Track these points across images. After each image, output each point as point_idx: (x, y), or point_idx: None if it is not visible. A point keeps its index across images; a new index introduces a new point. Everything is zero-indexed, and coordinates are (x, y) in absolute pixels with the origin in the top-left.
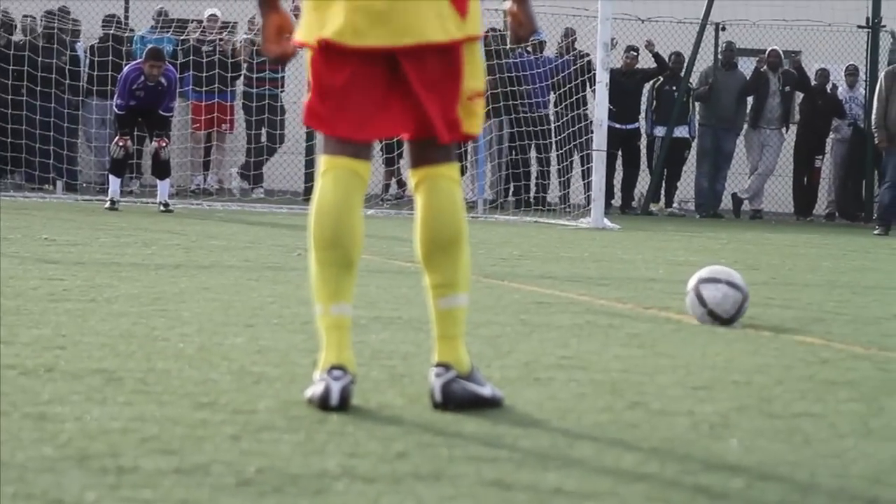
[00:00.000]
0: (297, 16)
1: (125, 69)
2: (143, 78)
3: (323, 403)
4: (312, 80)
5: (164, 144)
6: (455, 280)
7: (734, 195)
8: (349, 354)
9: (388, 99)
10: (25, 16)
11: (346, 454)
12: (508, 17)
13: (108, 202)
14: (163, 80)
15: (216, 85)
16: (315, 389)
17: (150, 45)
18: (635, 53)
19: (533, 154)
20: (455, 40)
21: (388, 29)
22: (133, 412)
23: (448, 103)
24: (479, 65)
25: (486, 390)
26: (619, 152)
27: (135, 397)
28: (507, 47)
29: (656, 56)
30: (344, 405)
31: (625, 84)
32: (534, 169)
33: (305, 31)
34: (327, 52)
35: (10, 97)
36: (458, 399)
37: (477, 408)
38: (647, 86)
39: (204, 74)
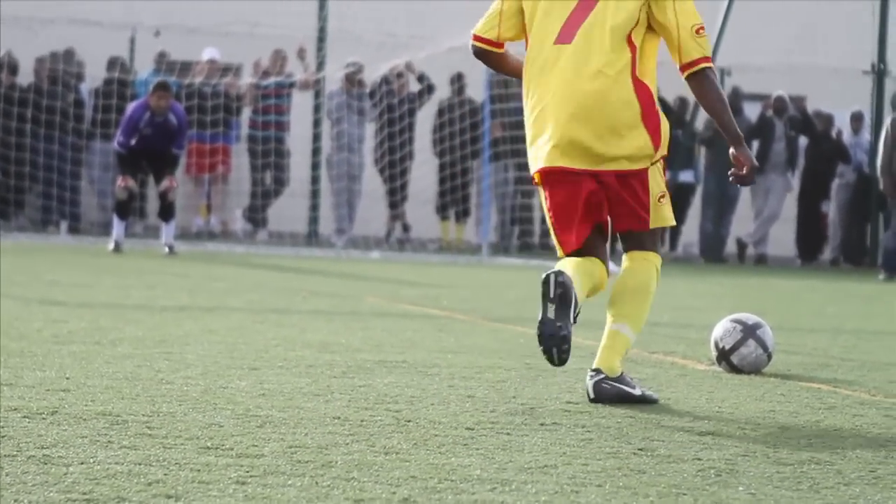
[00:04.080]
0: (301, 57)
1: (130, 107)
2: (149, 114)
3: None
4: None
5: (174, 185)
6: (630, 314)
7: (738, 239)
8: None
9: (596, 205)
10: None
11: (352, 499)
12: (732, 159)
13: (113, 244)
14: (172, 117)
15: (220, 128)
16: None
17: (156, 79)
18: None
19: (538, 197)
20: (646, 168)
21: (595, 158)
22: (138, 455)
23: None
24: (661, 172)
25: (635, 391)
26: None
27: (140, 440)
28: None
29: (661, 100)
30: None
31: None
32: (538, 212)
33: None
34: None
35: (14, 139)
36: (607, 396)
37: (627, 404)
38: None
39: (209, 118)
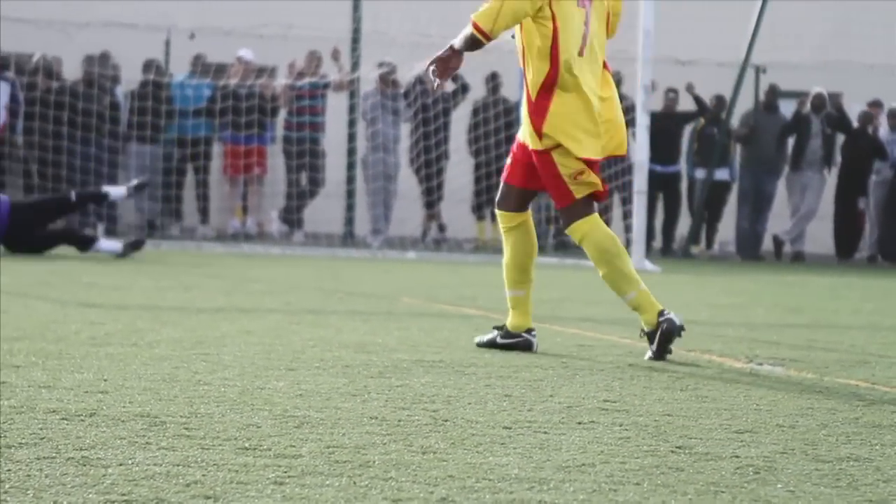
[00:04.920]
0: (336, 58)
1: None
2: None
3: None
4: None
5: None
6: None
7: (775, 237)
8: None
9: None
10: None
11: (390, 499)
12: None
13: (120, 248)
14: None
15: (255, 130)
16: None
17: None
18: (674, 95)
19: None
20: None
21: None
22: (176, 457)
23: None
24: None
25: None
26: (660, 195)
27: (178, 442)
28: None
29: (696, 98)
30: None
31: (665, 126)
32: None
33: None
34: None
35: (50, 142)
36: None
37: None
38: (689, 128)
39: (243, 119)
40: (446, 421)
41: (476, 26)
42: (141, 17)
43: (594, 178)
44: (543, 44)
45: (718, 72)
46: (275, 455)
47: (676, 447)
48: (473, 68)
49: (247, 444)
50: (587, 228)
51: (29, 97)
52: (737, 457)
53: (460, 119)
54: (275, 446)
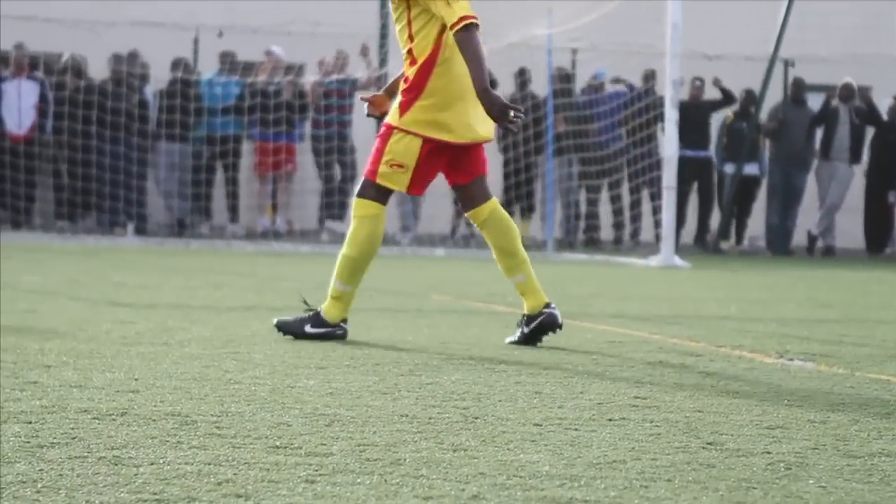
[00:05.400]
0: (364, 54)
1: None
2: None
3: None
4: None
5: None
6: None
7: (809, 232)
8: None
9: None
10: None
11: (421, 497)
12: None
13: None
14: None
15: (283, 127)
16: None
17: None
18: (700, 83)
19: (605, 192)
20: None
21: None
22: (207, 455)
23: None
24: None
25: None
26: (692, 182)
27: (209, 440)
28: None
29: (722, 89)
30: None
31: (691, 115)
32: (603, 207)
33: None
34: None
35: (80, 141)
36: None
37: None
38: (717, 120)
39: (271, 116)
40: (477, 418)
41: (466, 17)
42: (169, 16)
43: (404, 180)
44: (431, 24)
45: (747, 66)
46: (306, 453)
47: (707, 443)
48: (500, 63)
49: (278, 443)
50: (367, 212)
51: (58, 96)
52: (768, 453)
53: None
54: (306, 444)
